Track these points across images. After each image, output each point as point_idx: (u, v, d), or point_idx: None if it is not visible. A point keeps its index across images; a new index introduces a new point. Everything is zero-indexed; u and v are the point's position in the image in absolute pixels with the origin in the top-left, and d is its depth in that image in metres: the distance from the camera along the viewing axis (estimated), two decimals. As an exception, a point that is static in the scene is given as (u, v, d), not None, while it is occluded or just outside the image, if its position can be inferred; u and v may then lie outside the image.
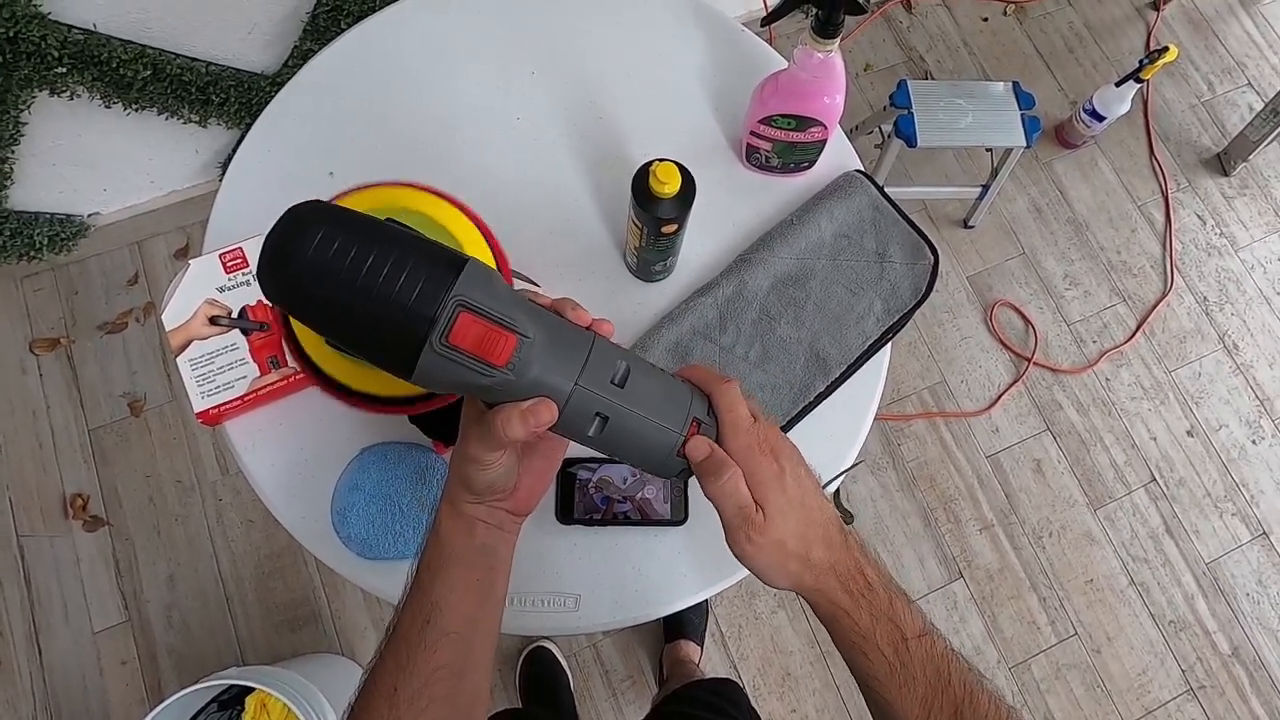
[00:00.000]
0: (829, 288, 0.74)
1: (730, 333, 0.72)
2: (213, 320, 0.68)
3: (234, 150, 1.33)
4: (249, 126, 1.27)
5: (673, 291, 0.75)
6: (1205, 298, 1.58)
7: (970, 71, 1.72)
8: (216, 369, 0.67)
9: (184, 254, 1.45)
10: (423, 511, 0.65)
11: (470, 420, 0.42)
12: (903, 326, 0.75)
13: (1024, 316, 1.54)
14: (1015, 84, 1.37)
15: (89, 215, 1.37)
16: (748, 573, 0.64)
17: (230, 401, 0.66)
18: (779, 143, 0.73)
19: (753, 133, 0.73)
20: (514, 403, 0.38)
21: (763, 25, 0.64)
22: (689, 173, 0.61)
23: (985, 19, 1.77)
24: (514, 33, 0.82)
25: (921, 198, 1.49)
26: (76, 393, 1.36)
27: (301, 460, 0.68)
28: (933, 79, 1.71)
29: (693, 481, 0.44)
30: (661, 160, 0.59)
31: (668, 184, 0.59)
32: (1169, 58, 1.36)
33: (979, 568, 1.38)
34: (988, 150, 1.50)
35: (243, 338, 0.68)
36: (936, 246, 0.76)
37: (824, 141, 0.73)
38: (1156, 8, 1.80)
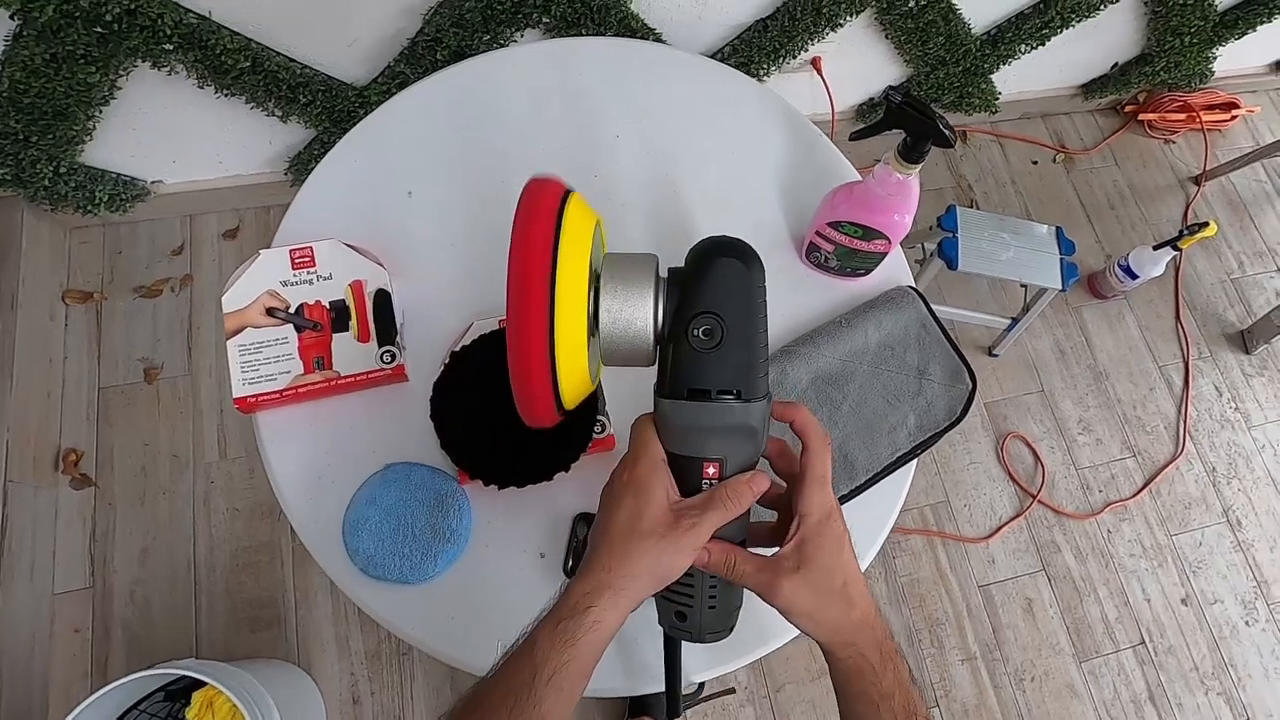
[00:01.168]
0: (866, 394, 0.75)
1: (764, 419, 0.73)
2: (269, 311, 0.70)
3: (303, 150, 1.38)
4: (325, 130, 1.33)
5: (714, 368, 0.76)
6: (1214, 468, 1.59)
7: (1014, 208, 1.78)
8: (263, 359, 0.68)
9: (234, 235, 1.48)
10: (435, 539, 0.64)
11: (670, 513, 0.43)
12: (931, 445, 0.75)
13: (1035, 453, 1.55)
14: (1059, 229, 1.42)
15: (152, 182, 1.40)
16: (734, 667, 0.63)
17: (269, 393, 0.67)
18: (842, 247, 0.76)
19: (818, 232, 0.76)
20: (741, 474, 0.44)
21: (851, 139, 0.68)
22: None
23: (1035, 162, 1.85)
24: (609, 94, 0.87)
25: (952, 319, 1.52)
26: (96, 349, 1.37)
27: (324, 465, 0.68)
28: (977, 207, 1.77)
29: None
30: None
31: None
32: (1208, 233, 1.40)
33: (956, 700, 1.35)
34: (1022, 286, 1.54)
35: (294, 334, 0.69)
36: (975, 374, 0.77)
37: (885, 254, 0.76)
38: (1198, 183, 1.87)
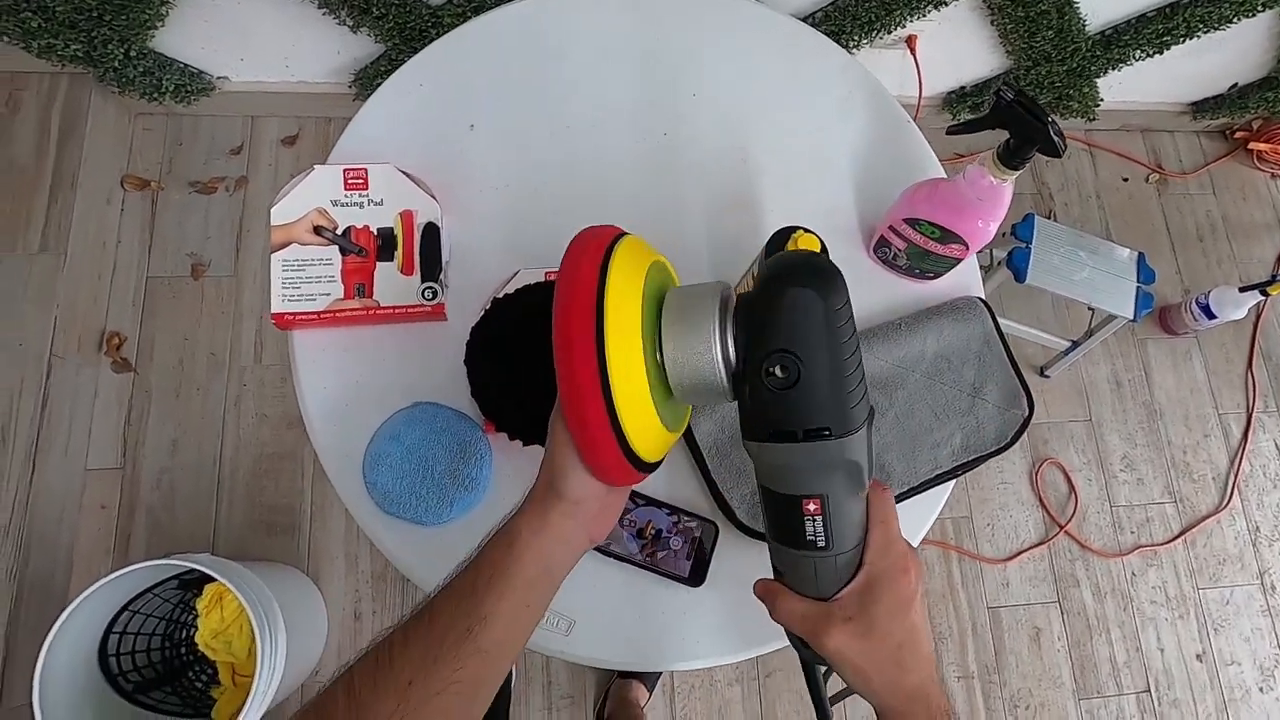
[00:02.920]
0: (914, 405, 0.72)
1: (803, 414, 0.70)
2: (317, 230, 0.68)
3: (370, 65, 1.35)
4: (395, 47, 1.29)
5: (759, 353, 0.73)
6: (1258, 528, 1.52)
7: (1095, 224, 1.68)
8: (305, 278, 0.67)
9: (292, 142, 1.47)
10: (454, 485, 0.64)
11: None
12: (973, 468, 0.72)
13: (1070, 482, 1.49)
14: (1141, 255, 1.33)
15: (219, 77, 1.39)
16: (725, 661, 0.62)
17: (307, 313, 0.66)
18: (915, 247, 0.71)
19: (892, 227, 0.71)
20: None
21: (948, 134, 0.63)
22: (828, 253, 0.59)
23: (1125, 179, 1.74)
24: (689, 50, 0.82)
25: (1009, 333, 1.45)
26: (149, 237, 1.38)
27: (353, 393, 0.67)
28: (1055, 219, 1.67)
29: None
30: (807, 231, 0.58)
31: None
32: (1305, 282, 1.31)
33: None
34: (1090, 309, 1.46)
35: (339, 256, 0.68)
36: (1034, 401, 0.73)
37: (960, 260, 0.71)
38: (1301, 225, 1.75)
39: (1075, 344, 1.45)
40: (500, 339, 0.65)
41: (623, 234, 0.43)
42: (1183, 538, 1.49)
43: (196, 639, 1.08)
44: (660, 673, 1.25)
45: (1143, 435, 1.55)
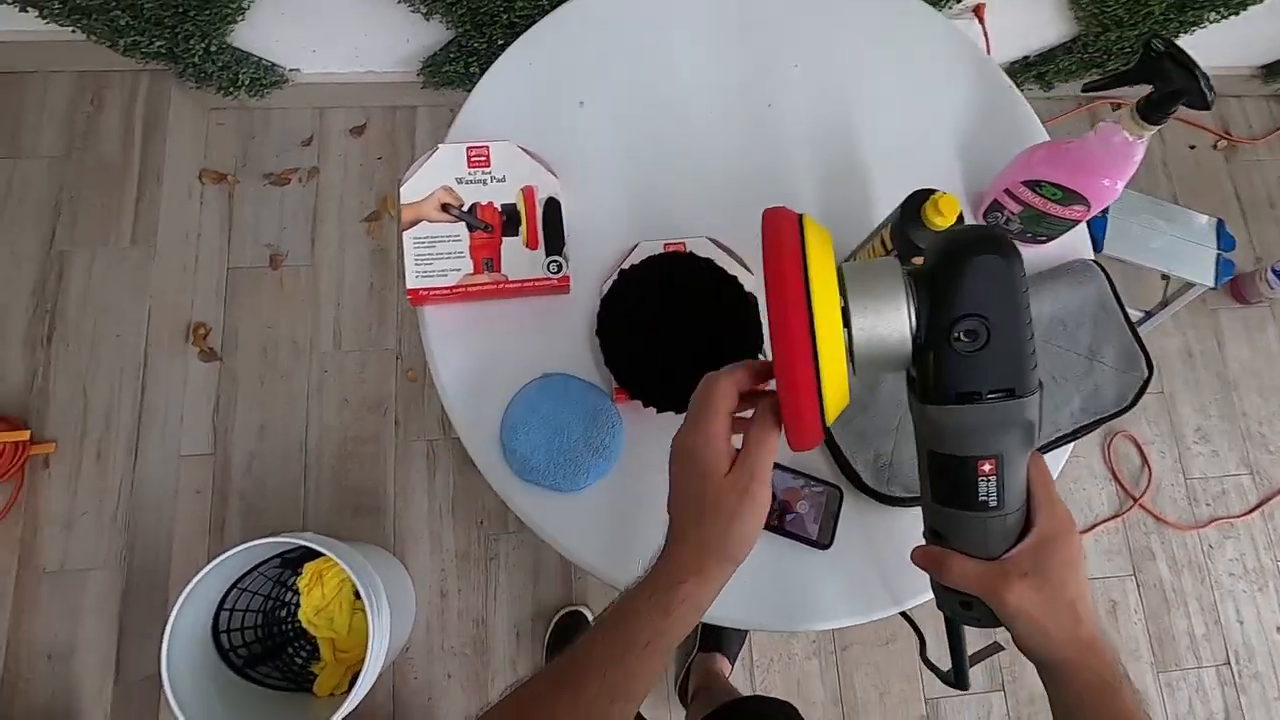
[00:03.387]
0: (1034, 366, 0.72)
1: (922, 379, 0.71)
2: (444, 207, 0.70)
3: (439, 51, 1.37)
4: (465, 33, 1.31)
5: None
6: (1338, 498, 1.49)
7: (1162, 192, 1.65)
8: (436, 254, 0.69)
9: (360, 132, 1.50)
10: (588, 452, 0.65)
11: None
12: (1093, 430, 0.72)
13: (1143, 455, 1.48)
14: (1220, 222, 1.31)
15: (290, 70, 1.42)
16: (856, 621, 0.63)
17: (439, 288, 0.68)
18: (1031, 209, 0.71)
19: (1008, 190, 0.71)
20: None
21: (1084, 91, 0.62)
22: (963, 216, 0.59)
23: (1192, 146, 1.70)
24: (792, 22, 0.82)
25: (1080, 304, 1.44)
26: (228, 229, 1.42)
27: (484, 366, 0.69)
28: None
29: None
30: (945, 193, 0.58)
31: (945, 217, 0.57)
32: (1392, 245, 1.28)
33: (1024, 687, 1.33)
34: (1164, 278, 1.44)
35: (466, 233, 0.69)
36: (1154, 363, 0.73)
37: (1078, 222, 0.71)
38: (1377, 189, 1.70)
39: (1149, 314, 1.43)
40: (631, 309, 0.66)
41: (802, 216, 0.45)
42: (1260, 509, 1.47)
43: (299, 616, 1.11)
44: (741, 645, 1.26)
45: (1216, 407, 1.53)
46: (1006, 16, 1.39)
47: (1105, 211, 1.30)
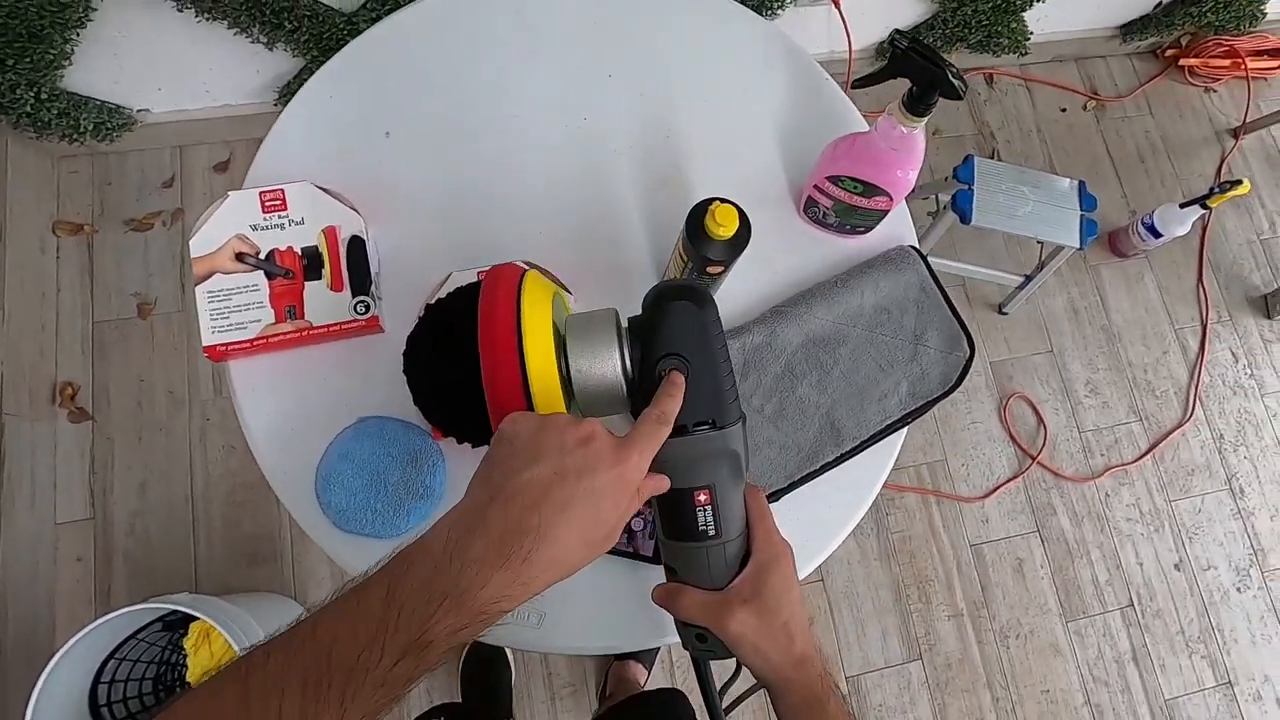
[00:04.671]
0: (859, 358, 0.72)
1: (751, 381, 0.71)
2: (239, 257, 0.67)
3: (293, 79, 1.33)
4: (314, 59, 1.27)
5: (702, 327, 0.73)
6: (1222, 435, 1.56)
7: (1038, 158, 1.70)
8: (233, 306, 0.66)
9: (225, 168, 1.44)
10: (409, 495, 0.64)
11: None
12: (923, 414, 0.73)
13: (1038, 414, 1.52)
14: (1081, 184, 1.35)
15: (138, 110, 1.36)
16: None
17: (240, 342, 0.65)
18: (841, 203, 0.71)
19: (817, 186, 0.72)
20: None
21: (853, 88, 0.63)
22: (748, 219, 0.59)
23: (1063, 109, 1.75)
24: (601, 31, 0.81)
25: (963, 275, 1.47)
26: (89, 282, 1.35)
27: (297, 415, 0.67)
28: (999, 158, 1.69)
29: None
30: (723, 202, 0.58)
31: (724, 227, 0.57)
32: (1240, 191, 1.33)
33: (940, 654, 1.37)
34: (1038, 242, 1.48)
35: (265, 281, 0.67)
36: (974, 337, 0.74)
37: (886, 211, 0.72)
38: (1236, 136, 1.78)
39: (1029, 278, 1.47)
40: (437, 344, 0.65)
41: (525, 271, 0.50)
42: (1151, 454, 1.53)
43: (188, 678, 1.08)
44: (656, 651, 1.27)
45: (1103, 359, 1.58)
46: (862, 1, 1.40)
47: (971, 185, 1.33)
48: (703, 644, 0.48)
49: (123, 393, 1.31)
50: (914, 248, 0.76)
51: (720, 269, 0.62)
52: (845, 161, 0.68)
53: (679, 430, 0.43)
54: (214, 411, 1.32)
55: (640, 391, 0.45)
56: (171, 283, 1.37)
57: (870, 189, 0.68)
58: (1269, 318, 1.65)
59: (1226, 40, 1.74)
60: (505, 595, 0.35)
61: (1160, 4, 1.64)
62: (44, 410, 1.27)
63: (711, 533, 0.46)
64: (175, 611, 1.05)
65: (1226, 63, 1.76)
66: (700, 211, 0.58)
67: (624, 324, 0.47)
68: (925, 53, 0.54)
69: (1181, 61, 1.77)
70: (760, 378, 0.71)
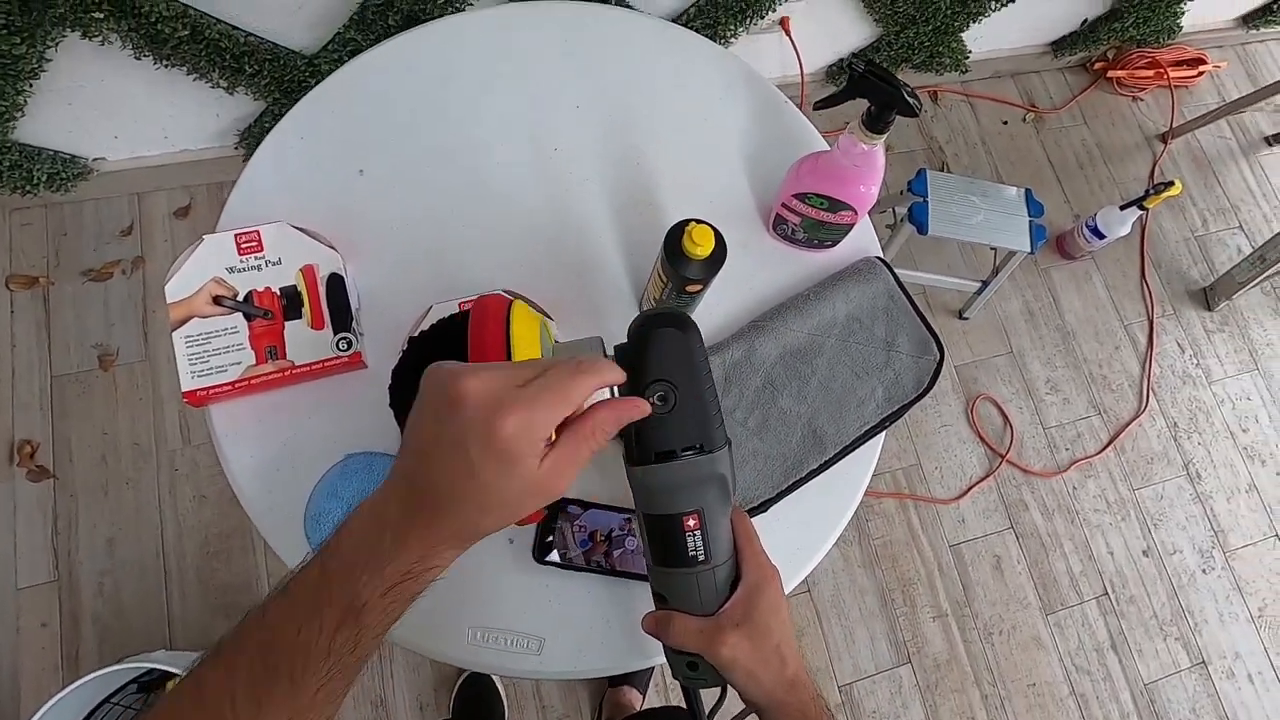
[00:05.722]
0: (835, 367, 0.75)
1: (733, 396, 0.73)
2: (216, 300, 0.67)
3: (254, 123, 1.32)
4: (276, 102, 1.27)
5: (682, 345, 0.75)
6: (1175, 423, 1.63)
7: (984, 169, 1.78)
8: (212, 350, 0.65)
9: (185, 213, 1.43)
10: (399, 530, 0.63)
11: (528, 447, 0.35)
12: (900, 417, 0.75)
13: (1004, 414, 1.57)
14: (1028, 191, 1.41)
15: (94, 159, 1.34)
16: None
17: (221, 385, 0.65)
18: (808, 219, 0.74)
19: (784, 204, 0.74)
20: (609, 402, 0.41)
21: (815, 109, 0.66)
22: (723, 239, 0.61)
23: (1005, 122, 1.84)
24: (567, 64, 0.83)
25: (923, 284, 1.52)
26: (46, 336, 1.32)
27: (282, 457, 0.66)
28: (949, 170, 1.76)
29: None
30: (699, 222, 0.60)
31: (701, 246, 0.59)
32: (1173, 192, 1.41)
33: (928, 655, 1.39)
34: (992, 249, 1.54)
35: (244, 323, 0.66)
36: (943, 344, 0.77)
37: (852, 225, 0.75)
38: (1165, 140, 1.88)
39: (985, 284, 1.52)
40: (421, 376, 0.65)
41: (511, 302, 0.51)
42: (1112, 445, 1.58)
43: (168, 739, 1.03)
44: (649, 675, 1.26)
45: (1061, 358, 1.64)
46: (812, 25, 1.46)
47: (925, 197, 1.38)
48: (694, 672, 0.49)
49: (85, 448, 1.27)
50: (880, 258, 0.79)
51: (699, 287, 0.64)
52: (810, 179, 0.70)
53: (667, 456, 0.44)
54: (183, 461, 1.28)
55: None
56: (134, 332, 1.34)
57: (836, 204, 0.71)
58: (1209, 309, 1.74)
59: (1149, 52, 1.85)
60: (425, 557, 0.35)
61: (1086, 21, 1.74)
62: (1, 471, 1.22)
63: (701, 558, 0.46)
64: (150, 671, 1.01)
65: (1150, 73, 1.87)
66: (677, 232, 0.60)
67: (609, 353, 0.47)
68: (882, 74, 0.57)
69: (1110, 74, 1.88)
70: (742, 392, 0.73)
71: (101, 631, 1.19)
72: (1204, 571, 1.53)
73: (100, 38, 1.05)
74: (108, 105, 1.22)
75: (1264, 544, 1.57)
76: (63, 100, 1.17)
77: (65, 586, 1.20)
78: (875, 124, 0.61)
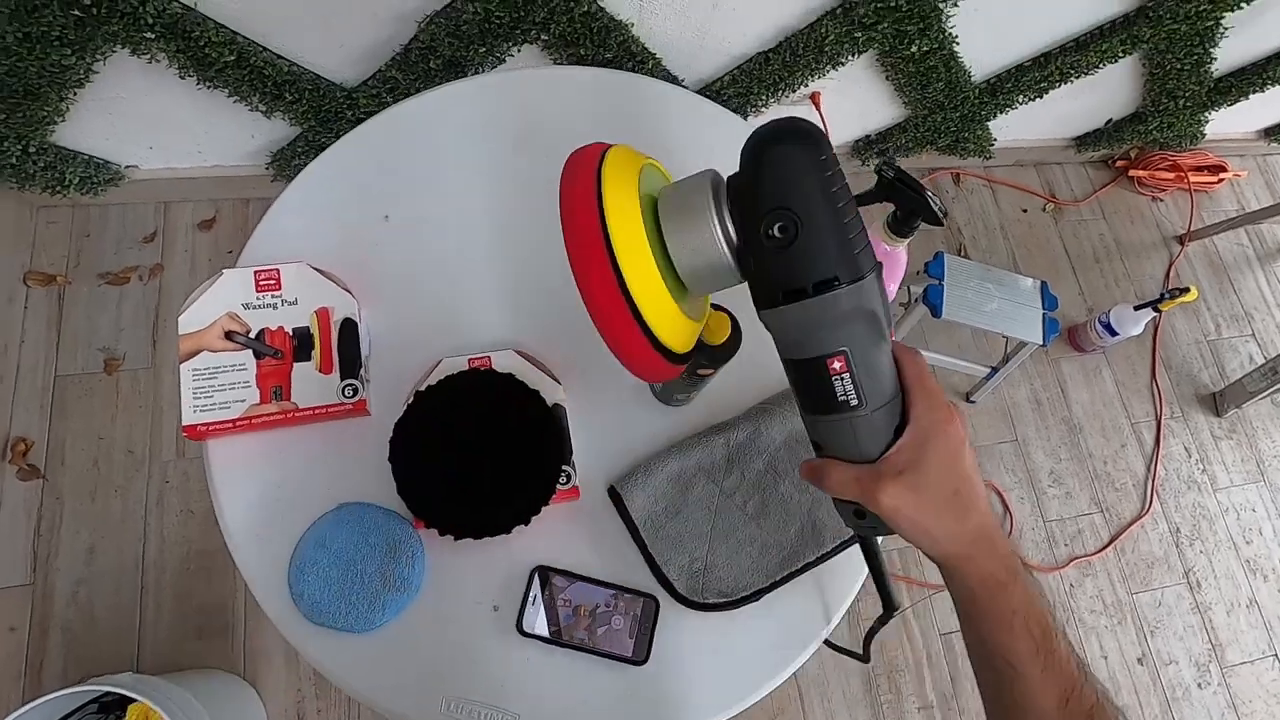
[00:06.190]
0: (840, 458, 0.74)
1: (734, 477, 0.72)
2: (229, 335, 0.67)
3: (287, 146, 1.34)
4: (311, 129, 1.29)
5: (688, 419, 0.74)
6: (1178, 529, 1.60)
7: (1002, 254, 1.79)
8: (218, 385, 0.65)
9: (209, 226, 1.44)
10: (385, 587, 0.62)
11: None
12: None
13: (1005, 503, 1.55)
14: (1044, 284, 1.42)
15: (127, 166, 1.36)
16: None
17: (222, 422, 0.64)
18: (825, 307, 0.74)
19: (802, 290, 0.74)
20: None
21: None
22: (739, 326, 0.61)
23: (1024, 210, 1.86)
24: (598, 130, 0.84)
25: (933, 364, 1.52)
26: (56, 335, 1.32)
27: (275, 499, 0.65)
28: (966, 253, 1.77)
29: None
30: (716, 308, 0.60)
31: (716, 333, 0.59)
32: (1188, 298, 1.42)
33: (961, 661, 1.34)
34: (1004, 336, 1.54)
35: (253, 360, 0.66)
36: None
37: (868, 317, 0.74)
38: (1182, 242, 1.90)
39: (995, 370, 1.52)
40: (425, 432, 0.64)
41: (608, 147, 0.45)
42: (1112, 545, 1.56)
43: (123, 765, 1.00)
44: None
45: (1066, 450, 1.63)
46: (842, 101, 1.49)
47: (942, 280, 1.39)
48: (861, 519, 0.45)
49: (79, 450, 1.26)
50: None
51: (710, 372, 0.64)
52: (830, 269, 0.71)
53: (798, 294, 0.38)
54: (175, 474, 1.27)
55: (751, 257, 0.40)
56: (142, 339, 1.34)
57: (854, 297, 0.71)
58: (1218, 415, 1.73)
59: (1171, 155, 1.88)
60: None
61: (1111, 121, 1.77)
62: (-8, 466, 1.21)
63: (854, 402, 0.40)
64: (112, 693, 0.99)
65: (1171, 175, 1.90)
66: (694, 317, 0.60)
67: (724, 184, 0.41)
68: (910, 182, 0.57)
69: (1131, 172, 1.90)
70: (744, 473, 0.72)
71: (69, 642, 1.16)
72: (1199, 686, 1.48)
73: (149, 56, 1.07)
74: (147, 117, 1.24)
75: (1262, 663, 1.53)
76: (104, 109, 1.20)
77: (39, 592, 1.17)
78: (900, 228, 0.61)
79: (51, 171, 1.26)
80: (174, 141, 1.33)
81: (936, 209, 0.57)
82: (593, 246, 0.39)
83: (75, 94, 1.13)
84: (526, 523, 0.63)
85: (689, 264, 0.41)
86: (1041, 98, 1.55)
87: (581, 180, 0.41)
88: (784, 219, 0.37)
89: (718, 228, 0.39)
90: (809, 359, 0.40)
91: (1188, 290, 1.41)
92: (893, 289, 0.70)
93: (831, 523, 0.72)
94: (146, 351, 1.34)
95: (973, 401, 1.61)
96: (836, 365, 0.40)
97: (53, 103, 1.13)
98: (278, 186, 1.44)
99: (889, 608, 0.54)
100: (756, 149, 0.39)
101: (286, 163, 1.37)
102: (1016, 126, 1.69)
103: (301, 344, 0.68)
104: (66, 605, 1.18)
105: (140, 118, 1.23)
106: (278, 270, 0.69)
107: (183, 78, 1.13)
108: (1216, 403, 1.73)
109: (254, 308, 0.68)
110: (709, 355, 0.61)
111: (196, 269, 1.40)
